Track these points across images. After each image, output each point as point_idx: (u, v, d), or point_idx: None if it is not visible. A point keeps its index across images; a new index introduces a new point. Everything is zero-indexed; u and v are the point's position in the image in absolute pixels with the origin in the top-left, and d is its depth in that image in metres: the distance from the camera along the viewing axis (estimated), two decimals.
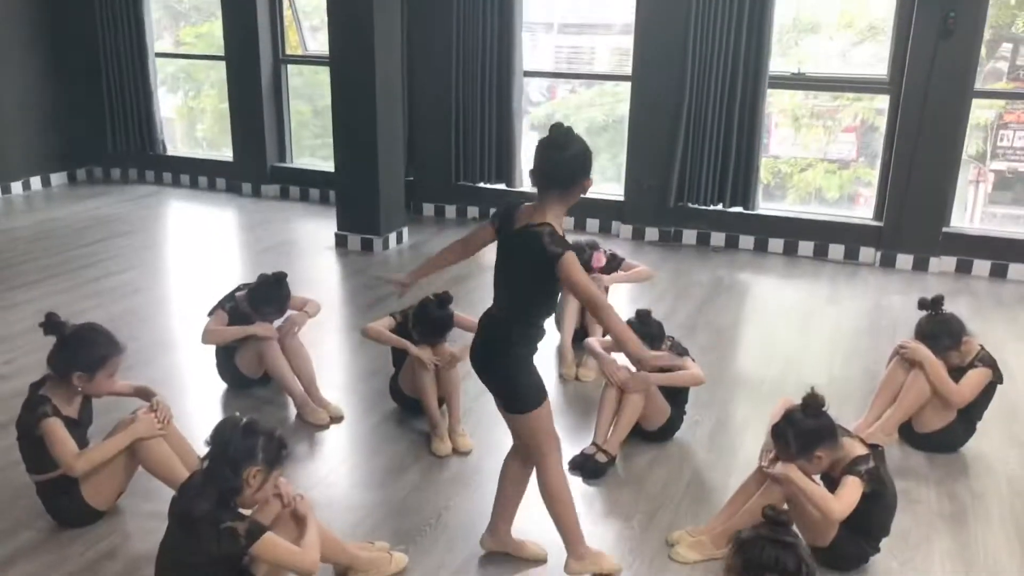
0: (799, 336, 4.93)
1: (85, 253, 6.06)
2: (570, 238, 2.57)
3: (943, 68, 5.67)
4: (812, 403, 2.71)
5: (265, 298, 3.85)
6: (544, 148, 2.47)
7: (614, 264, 4.55)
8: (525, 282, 2.53)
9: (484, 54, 6.64)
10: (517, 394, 2.60)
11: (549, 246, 2.39)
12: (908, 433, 3.63)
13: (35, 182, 7.82)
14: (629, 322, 3.48)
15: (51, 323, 2.96)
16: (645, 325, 3.47)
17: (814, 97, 6.79)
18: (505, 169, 6.93)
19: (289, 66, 7.72)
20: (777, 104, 6.85)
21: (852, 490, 2.65)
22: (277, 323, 3.91)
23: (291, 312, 3.95)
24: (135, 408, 3.05)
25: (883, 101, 6.14)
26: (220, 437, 2.34)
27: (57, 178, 8.03)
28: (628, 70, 6.56)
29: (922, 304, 3.59)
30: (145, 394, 3.11)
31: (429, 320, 3.62)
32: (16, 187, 7.65)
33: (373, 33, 5.73)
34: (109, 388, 3.02)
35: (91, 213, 7.13)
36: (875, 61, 6.30)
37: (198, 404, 3.92)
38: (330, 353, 4.57)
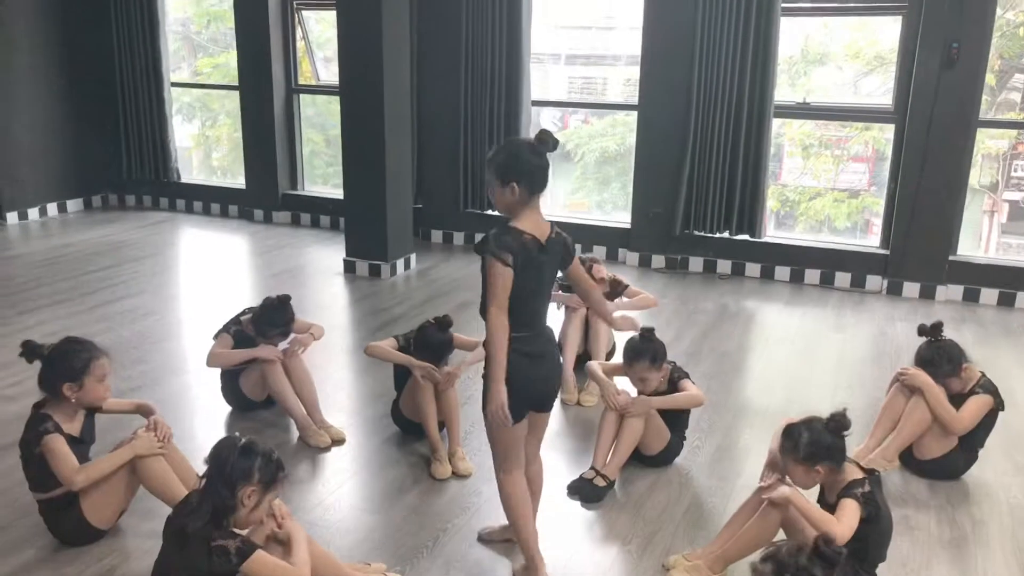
0: (803, 363, 4.92)
1: (97, 278, 6.14)
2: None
3: (947, 97, 5.71)
4: (838, 422, 2.70)
5: (269, 321, 3.90)
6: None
7: (618, 290, 4.57)
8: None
9: (492, 84, 6.73)
10: None
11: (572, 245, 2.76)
12: (909, 460, 3.62)
13: (51, 208, 7.96)
14: (632, 339, 3.52)
15: (28, 349, 3.00)
16: (649, 342, 3.49)
17: (825, 127, 6.84)
18: None
19: (301, 96, 7.86)
20: (788, 133, 6.91)
21: (852, 512, 2.63)
22: (282, 346, 3.96)
23: (296, 335, 4.00)
24: (136, 427, 3.09)
25: (890, 131, 6.17)
26: (218, 456, 2.37)
27: (73, 204, 8.17)
28: (635, 99, 6.63)
29: (922, 331, 3.59)
30: (146, 411, 3.15)
31: (429, 343, 3.66)
32: (33, 213, 7.78)
33: (382, 64, 5.84)
34: (104, 394, 3.03)
35: (105, 239, 7.24)
36: (883, 91, 6.35)
37: (203, 426, 3.96)
38: (335, 376, 4.60)
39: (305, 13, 7.66)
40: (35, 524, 3.06)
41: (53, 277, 6.15)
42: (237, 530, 2.39)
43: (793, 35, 6.58)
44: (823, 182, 6.99)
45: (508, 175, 2.61)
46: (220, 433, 3.89)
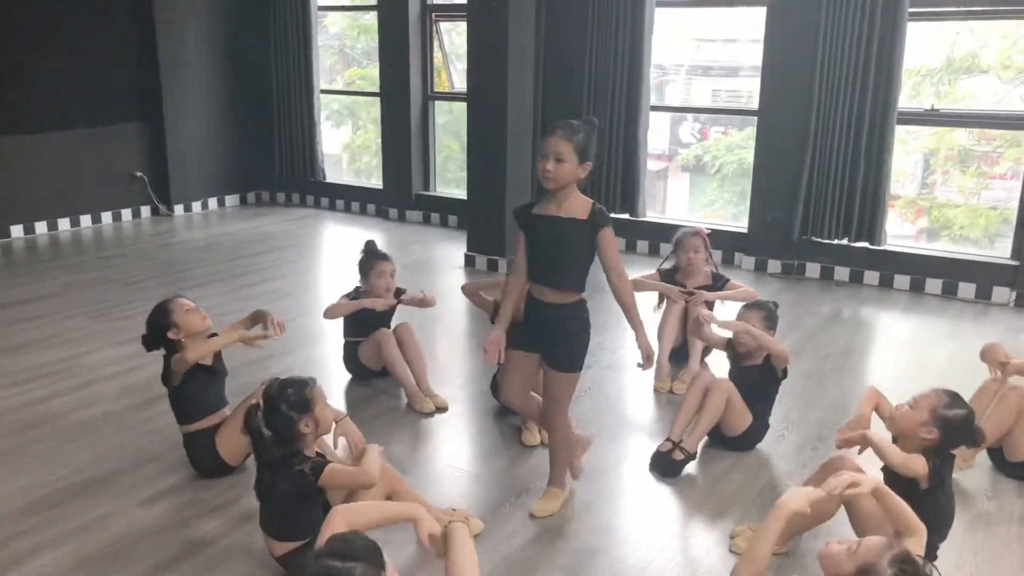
0: (908, 368, 4.88)
1: (246, 263, 6.83)
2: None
3: None
4: (977, 435, 2.80)
5: (363, 267, 4.34)
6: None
7: (719, 284, 4.71)
8: None
9: (613, 90, 6.97)
10: None
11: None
12: (999, 460, 3.58)
13: (212, 203, 8.84)
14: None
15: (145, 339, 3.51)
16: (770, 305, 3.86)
17: (976, 142, 6.66)
18: (629, 201, 7.19)
19: (437, 103, 8.36)
20: (931, 144, 6.78)
21: (920, 464, 2.69)
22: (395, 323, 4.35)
23: (411, 293, 4.42)
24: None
25: None
26: (269, 403, 2.78)
27: (231, 199, 9.04)
28: (755, 105, 6.71)
29: None
30: (258, 317, 3.64)
31: None
32: (196, 206, 8.68)
33: (507, 71, 6.20)
34: (200, 322, 3.45)
35: (256, 230, 7.99)
36: None
37: (327, 391, 4.39)
38: (448, 353, 5.00)
39: (443, 24, 8.17)
40: (180, 456, 3.56)
41: (210, 261, 6.89)
42: (307, 452, 2.80)
43: (934, 41, 6.46)
44: (967, 196, 6.81)
45: (587, 154, 2.88)
46: (341, 398, 4.34)
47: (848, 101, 6.15)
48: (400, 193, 8.49)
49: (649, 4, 6.79)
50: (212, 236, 7.76)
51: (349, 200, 8.93)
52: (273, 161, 9.03)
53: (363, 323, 4.38)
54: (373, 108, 9.03)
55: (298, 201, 9.22)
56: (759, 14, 6.51)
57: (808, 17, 6.18)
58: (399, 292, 4.42)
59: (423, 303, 4.44)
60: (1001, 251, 6.26)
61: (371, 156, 9.66)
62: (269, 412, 2.76)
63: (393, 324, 4.41)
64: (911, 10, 5.93)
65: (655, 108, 7.20)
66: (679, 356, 4.63)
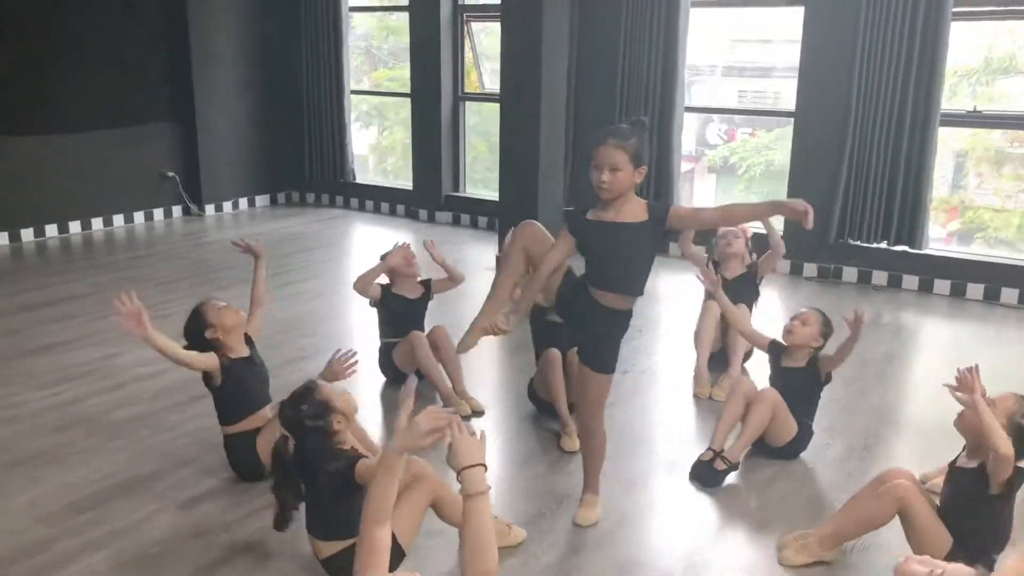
0: (951, 374, 4.75)
1: (276, 264, 6.80)
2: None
3: None
4: None
5: (384, 255, 4.43)
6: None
7: (752, 277, 4.72)
8: None
9: (647, 91, 6.90)
10: None
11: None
12: None
13: (243, 203, 8.87)
14: None
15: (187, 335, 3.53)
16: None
17: (1010, 143, 6.53)
18: (662, 200, 7.12)
19: (467, 103, 8.33)
20: (966, 145, 6.65)
21: (1010, 447, 2.60)
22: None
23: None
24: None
25: None
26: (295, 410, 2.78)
27: (261, 199, 9.06)
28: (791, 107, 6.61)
29: None
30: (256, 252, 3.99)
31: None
32: (227, 206, 8.70)
33: (540, 71, 6.14)
34: (231, 318, 3.48)
35: (286, 230, 8.00)
36: None
37: (363, 395, 4.37)
38: (484, 356, 4.94)
39: (474, 25, 8.14)
40: (218, 458, 3.55)
41: (241, 261, 6.82)
42: (344, 446, 2.79)
43: (972, 41, 6.34)
44: (1003, 201, 6.68)
45: (642, 158, 2.80)
46: (377, 401, 4.31)
47: (888, 102, 6.04)
48: (430, 194, 8.46)
49: (684, 4, 6.72)
50: (243, 236, 7.70)
51: (379, 201, 8.92)
52: (303, 161, 9.04)
53: (398, 324, 4.37)
54: (402, 109, 9.02)
55: (327, 202, 9.22)
56: (796, 13, 6.41)
57: (847, 17, 6.08)
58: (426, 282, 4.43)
59: (451, 276, 4.46)
60: None
61: (397, 157, 9.66)
62: (300, 437, 2.77)
63: (428, 327, 4.38)
64: (955, 10, 5.81)
65: (689, 109, 7.12)
66: (718, 361, 4.56)
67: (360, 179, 9.13)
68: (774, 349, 3.79)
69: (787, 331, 3.72)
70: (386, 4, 9.14)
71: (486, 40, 8.35)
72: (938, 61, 5.85)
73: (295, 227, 8.17)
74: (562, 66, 6.44)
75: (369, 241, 7.94)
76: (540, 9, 6.04)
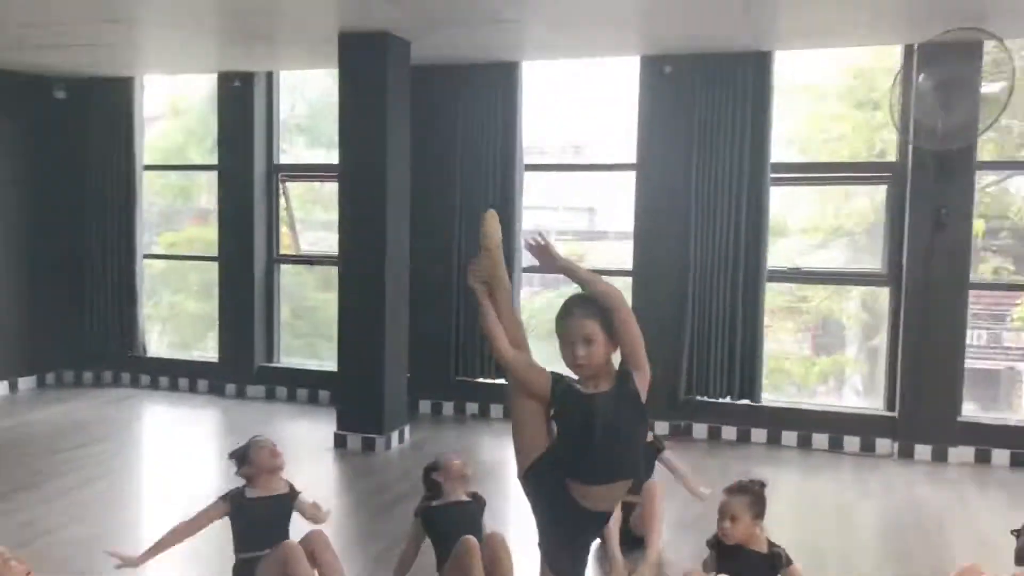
0: (842, 535, 4.66)
1: (55, 462, 5.55)
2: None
3: (941, 260, 5.85)
4: None
5: (239, 453, 3.69)
6: None
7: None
8: None
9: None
10: None
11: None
12: None
13: (1, 387, 7.40)
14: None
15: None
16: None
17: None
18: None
19: (283, 266, 7.67)
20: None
21: None
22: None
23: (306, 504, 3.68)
24: None
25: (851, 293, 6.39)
26: None
27: (25, 382, 7.61)
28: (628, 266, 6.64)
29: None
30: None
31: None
32: None
33: (385, 230, 5.78)
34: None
35: (64, 418, 6.68)
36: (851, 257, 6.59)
37: None
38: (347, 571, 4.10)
39: (289, 184, 7.64)
40: None
41: (10, 462, 5.56)
42: None
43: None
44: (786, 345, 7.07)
45: (612, 329, 2.44)
46: None
47: (722, 259, 6.23)
48: (239, 366, 7.54)
49: (519, 167, 6.69)
50: (5, 430, 6.35)
51: (176, 376, 7.80)
52: (80, 335, 7.79)
53: (259, 533, 3.52)
54: (193, 273, 8.16)
55: (111, 380, 7.94)
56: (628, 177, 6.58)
57: (676, 179, 6.30)
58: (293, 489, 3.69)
59: (315, 517, 3.68)
60: (874, 402, 6.43)
61: (190, 323, 8.63)
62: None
63: (295, 534, 3.58)
64: (773, 176, 6.19)
65: (527, 269, 6.95)
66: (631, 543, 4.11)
67: (154, 352, 8.01)
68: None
69: (723, 533, 3.35)
70: (187, 163, 8.36)
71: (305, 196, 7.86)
72: (763, 219, 6.14)
73: (74, 413, 6.86)
74: (405, 227, 6.08)
75: (169, 425, 6.84)
76: (384, 171, 5.74)
